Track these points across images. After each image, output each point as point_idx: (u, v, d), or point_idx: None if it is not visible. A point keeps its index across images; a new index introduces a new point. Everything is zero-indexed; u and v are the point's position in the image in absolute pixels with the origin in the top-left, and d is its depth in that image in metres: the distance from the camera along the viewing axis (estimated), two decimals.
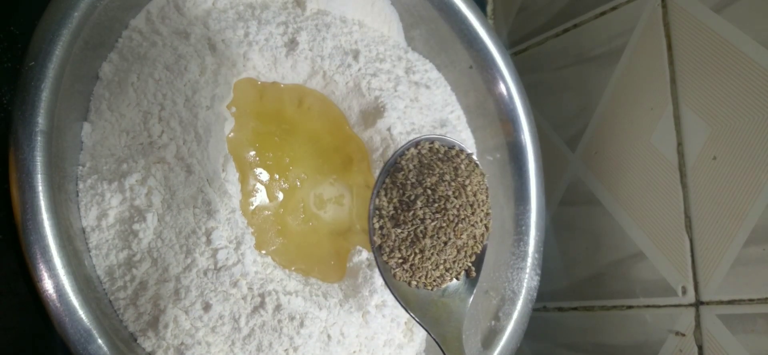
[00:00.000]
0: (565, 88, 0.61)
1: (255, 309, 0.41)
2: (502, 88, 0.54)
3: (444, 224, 0.35)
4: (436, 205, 0.35)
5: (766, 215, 0.44)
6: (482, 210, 0.37)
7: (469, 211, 0.36)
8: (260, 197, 0.45)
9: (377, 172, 0.50)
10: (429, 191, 0.35)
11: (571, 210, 0.59)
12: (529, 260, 0.52)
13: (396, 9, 0.54)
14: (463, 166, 0.37)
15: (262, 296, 0.41)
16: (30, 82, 0.36)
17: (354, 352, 0.45)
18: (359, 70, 0.49)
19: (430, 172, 0.36)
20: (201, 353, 0.39)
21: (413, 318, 0.36)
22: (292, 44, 0.47)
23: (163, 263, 0.39)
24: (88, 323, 0.35)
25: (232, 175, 0.43)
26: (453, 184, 0.36)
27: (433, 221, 0.35)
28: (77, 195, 0.40)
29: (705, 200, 0.48)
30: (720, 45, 0.47)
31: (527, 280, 0.51)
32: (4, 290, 0.41)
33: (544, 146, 0.56)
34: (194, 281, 0.39)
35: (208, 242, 0.40)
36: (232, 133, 0.45)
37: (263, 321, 0.41)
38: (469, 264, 0.38)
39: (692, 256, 0.49)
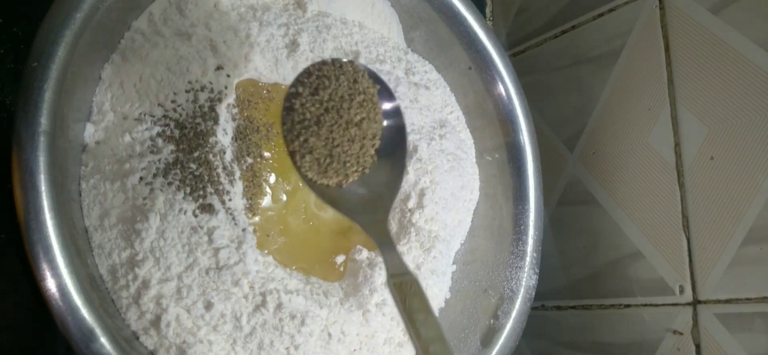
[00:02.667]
0: (564, 89, 0.61)
1: (256, 308, 0.41)
2: (501, 89, 0.54)
3: (341, 118, 0.38)
4: (335, 104, 0.38)
5: (763, 215, 0.44)
6: (370, 100, 0.40)
7: (362, 105, 0.39)
8: (262, 197, 0.45)
9: None
10: (329, 94, 0.38)
11: (569, 210, 0.60)
12: (528, 259, 0.52)
13: (396, 11, 0.55)
14: (350, 71, 0.40)
15: (263, 294, 0.41)
16: (33, 83, 0.36)
17: (354, 350, 0.45)
18: None
19: (324, 84, 0.39)
20: (203, 351, 0.40)
21: (333, 208, 0.39)
22: (293, 45, 0.47)
23: (165, 262, 0.39)
24: (90, 322, 0.35)
25: (234, 175, 0.43)
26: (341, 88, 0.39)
27: (333, 117, 0.38)
28: (80, 195, 0.40)
29: (702, 199, 0.48)
30: (717, 46, 0.48)
31: (526, 279, 0.51)
32: (7, 289, 0.41)
33: (543, 147, 0.56)
34: (196, 280, 0.39)
35: (210, 241, 0.40)
36: (233, 134, 0.45)
37: (264, 320, 0.41)
38: (372, 152, 0.40)
39: (690, 255, 0.49)
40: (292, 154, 0.38)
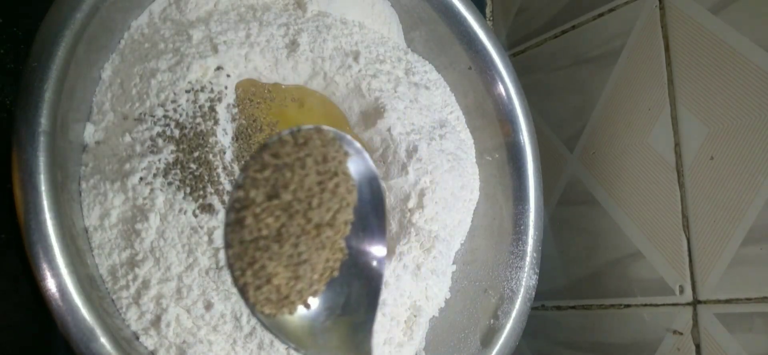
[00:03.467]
0: (564, 89, 0.61)
1: None
2: (501, 89, 0.54)
3: (309, 224, 0.28)
4: (301, 205, 0.28)
5: (763, 215, 0.44)
6: (342, 174, 0.29)
7: (334, 192, 0.28)
8: None
9: (378, 172, 0.50)
10: (293, 193, 0.28)
11: (570, 210, 0.60)
12: (528, 259, 0.52)
13: (396, 11, 0.55)
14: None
15: None
16: (33, 82, 0.36)
17: None
18: (359, 71, 0.50)
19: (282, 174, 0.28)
20: (203, 351, 0.40)
21: (300, 351, 0.28)
22: (293, 45, 0.47)
23: (165, 262, 0.39)
24: (90, 322, 0.35)
25: (233, 174, 0.43)
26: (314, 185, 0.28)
27: (300, 224, 0.28)
28: (80, 195, 0.40)
29: (702, 199, 0.48)
30: (717, 46, 0.48)
31: (526, 279, 0.51)
32: (7, 289, 0.41)
33: (543, 147, 0.56)
34: (196, 280, 0.39)
35: (210, 241, 0.40)
36: (234, 134, 0.45)
37: None
38: (341, 245, 0.29)
39: (690, 255, 0.49)
40: (242, 290, 0.28)
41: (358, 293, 0.29)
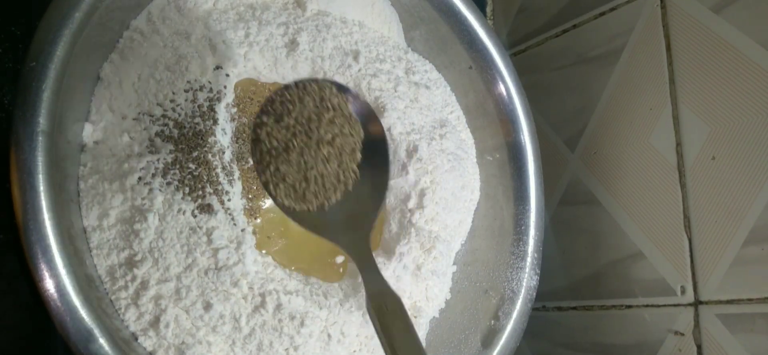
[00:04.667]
0: (565, 89, 0.61)
1: (255, 309, 0.41)
2: (502, 88, 0.54)
3: (311, 140, 0.38)
4: (303, 127, 0.38)
5: (765, 215, 0.44)
6: (341, 114, 0.39)
7: (332, 121, 0.38)
8: (261, 197, 0.45)
9: None
10: (294, 118, 0.38)
11: (571, 210, 0.60)
12: (529, 260, 0.52)
13: (396, 10, 0.54)
14: (316, 90, 0.39)
15: (262, 295, 0.41)
16: (31, 82, 0.36)
17: (354, 351, 0.45)
18: (359, 70, 0.49)
19: (293, 105, 0.38)
20: (202, 352, 0.39)
21: (314, 233, 0.38)
22: (292, 45, 0.47)
23: (164, 262, 0.39)
24: (89, 323, 0.35)
25: (233, 175, 0.43)
26: (315, 105, 0.38)
27: (302, 140, 0.38)
28: (78, 195, 0.40)
29: (704, 200, 0.48)
30: (719, 45, 0.48)
31: (526, 279, 0.51)
32: (6, 289, 0.41)
33: (544, 146, 0.56)
34: (195, 281, 0.39)
35: (209, 241, 0.40)
36: (233, 134, 0.45)
37: (264, 321, 0.41)
38: (353, 167, 0.39)
39: (691, 256, 0.49)
40: (265, 185, 0.38)
41: (363, 199, 0.38)
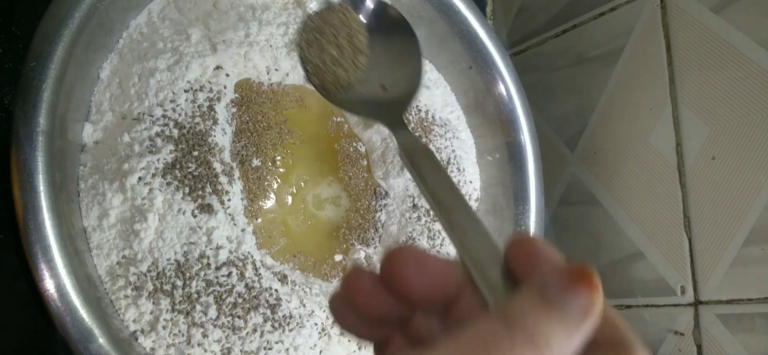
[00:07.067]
0: (565, 89, 0.61)
1: (255, 308, 0.41)
2: (502, 88, 0.54)
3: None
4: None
5: (764, 215, 0.44)
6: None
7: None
8: (261, 197, 0.45)
9: (378, 172, 0.50)
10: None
11: (570, 210, 0.59)
12: None
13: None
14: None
15: (262, 295, 0.41)
16: (31, 82, 0.36)
17: (354, 351, 0.45)
18: None
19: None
20: (201, 352, 0.39)
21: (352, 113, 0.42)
22: (292, 45, 0.47)
23: (164, 262, 0.39)
24: (89, 323, 0.35)
25: (233, 175, 0.43)
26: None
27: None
28: (78, 195, 0.40)
29: (704, 200, 0.48)
30: (719, 45, 0.48)
31: None
32: (6, 289, 0.41)
33: (544, 146, 0.56)
34: (195, 281, 0.39)
35: (209, 241, 0.40)
36: (232, 134, 0.45)
37: (263, 320, 0.41)
38: (362, 36, 0.40)
39: (691, 256, 0.49)
40: (302, 60, 0.39)
41: (399, 82, 0.39)
